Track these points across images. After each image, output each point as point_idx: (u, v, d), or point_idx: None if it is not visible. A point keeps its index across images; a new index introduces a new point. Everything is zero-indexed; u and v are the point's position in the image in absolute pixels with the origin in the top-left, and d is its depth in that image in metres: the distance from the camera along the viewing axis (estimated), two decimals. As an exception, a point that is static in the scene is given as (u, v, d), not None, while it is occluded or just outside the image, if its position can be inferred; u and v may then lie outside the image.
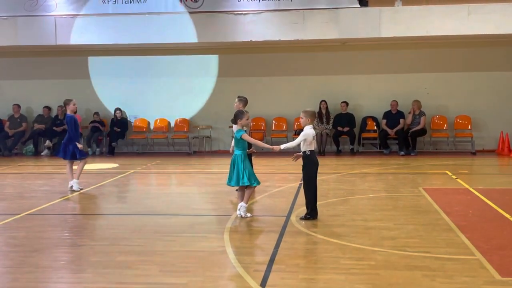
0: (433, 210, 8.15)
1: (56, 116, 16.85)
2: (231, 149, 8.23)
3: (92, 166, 13.14)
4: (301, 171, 7.70)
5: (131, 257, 6.03)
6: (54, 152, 10.13)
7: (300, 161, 7.67)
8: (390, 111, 15.74)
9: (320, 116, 15.54)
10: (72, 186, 10.16)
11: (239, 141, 7.68)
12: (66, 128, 10.78)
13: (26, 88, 17.23)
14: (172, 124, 16.94)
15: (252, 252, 6.38)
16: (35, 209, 8.63)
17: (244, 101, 9.39)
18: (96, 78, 16.95)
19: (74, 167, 10.40)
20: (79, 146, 10.14)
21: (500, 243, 6.34)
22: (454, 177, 11.24)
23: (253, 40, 14.76)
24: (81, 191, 10.08)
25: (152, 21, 14.88)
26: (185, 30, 14.74)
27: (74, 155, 10.19)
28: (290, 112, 16.19)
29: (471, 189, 9.77)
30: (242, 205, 7.76)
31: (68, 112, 10.23)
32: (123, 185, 11.14)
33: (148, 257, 6.04)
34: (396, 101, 15.66)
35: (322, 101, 15.77)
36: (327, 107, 15.80)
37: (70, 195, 9.79)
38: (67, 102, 10.23)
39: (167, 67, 16.81)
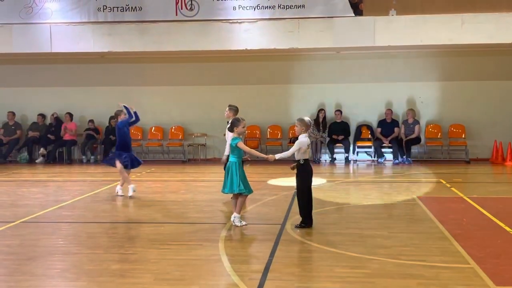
0: (427, 219, 8.17)
1: (51, 124, 16.83)
2: (223, 158, 8.20)
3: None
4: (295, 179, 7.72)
5: (126, 265, 6.01)
6: (129, 166, 10.23)
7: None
8: (384, 119, 15.81)
9: (317, 124, 15.59)
10: (118, 192, 10.41)
11: (235, 149, 7.69)
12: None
13: (21, 96, 17.21)
14: (167, 132, 16.94)
15: (247, 260, 6.37)
16: (30, 217, 8.60)
17: (234, 109, 9.41)
18: (91, 86, 16.96)
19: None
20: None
21: (494, 252, 6.36)
22: (448, 185, 11.28)
23: (248, 48, 14.81)
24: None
25: (148, 29, 14.91)
26: (181, 39, 14.78)
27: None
28: (285, 120, 16.24)
29: (465, 197, 9.81)
30: (235, 215, 7.75)
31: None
32: (118, 193, 11.09)
33: (143, 265, 6.02)
34: (390, 109, 15.74)
35: (321, 109, 15.84)
36: (325, 116, 15.87)
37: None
38: (118, 113, 10.43)
39: (162, 75, 16.85)
